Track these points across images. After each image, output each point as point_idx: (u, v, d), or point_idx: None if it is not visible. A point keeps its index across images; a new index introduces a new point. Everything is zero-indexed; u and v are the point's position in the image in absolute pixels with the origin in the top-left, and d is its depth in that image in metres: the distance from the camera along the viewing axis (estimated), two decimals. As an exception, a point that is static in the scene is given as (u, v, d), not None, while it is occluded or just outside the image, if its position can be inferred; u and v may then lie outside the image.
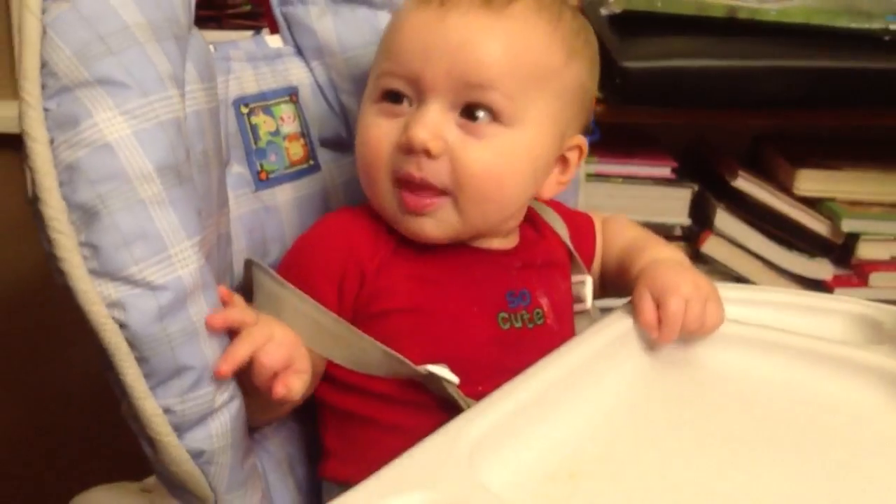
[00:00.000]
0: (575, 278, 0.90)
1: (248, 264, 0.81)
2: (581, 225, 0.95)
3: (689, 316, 0.80)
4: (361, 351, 0.76)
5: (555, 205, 0.94)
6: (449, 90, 0.77)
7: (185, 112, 0.73)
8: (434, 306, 0.80)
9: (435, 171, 0.77)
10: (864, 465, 0.71)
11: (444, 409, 0.75)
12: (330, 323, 0.76)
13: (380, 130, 0.79)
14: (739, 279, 1.47)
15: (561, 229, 0.92)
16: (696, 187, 1.47)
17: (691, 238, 1.50)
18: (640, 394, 0.80)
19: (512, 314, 0.82)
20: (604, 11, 1.43)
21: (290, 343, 0.71)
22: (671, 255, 0.90)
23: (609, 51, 1.34)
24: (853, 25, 1.35)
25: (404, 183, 0.78)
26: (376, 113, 0.80)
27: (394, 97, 0.79)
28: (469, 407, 0.70)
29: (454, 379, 0.75)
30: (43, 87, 0.66)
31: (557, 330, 0.84)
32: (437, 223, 0.79)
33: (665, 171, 1.47)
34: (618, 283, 0.92)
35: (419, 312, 0.79)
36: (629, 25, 1.39)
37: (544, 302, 0.84)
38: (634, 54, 1.32)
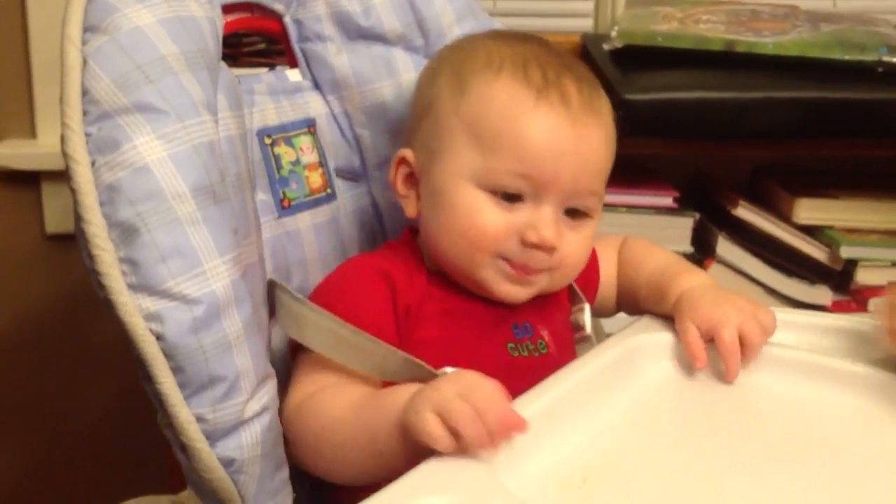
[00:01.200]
0: (575, 307, 0.95)
1: (271, 285, 0.85)
2: None
3: (750, 338, 0.83)
4: (382, 359, 0.79)
5: None
6: (564, 193, 0.83)
7: (220, 136, 0.77)
8: (455, 335, 0.85)
9: (544, 259, 0.84)
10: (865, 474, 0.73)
11: None
12: (349, 335, 0.79)
13: (494, 219, 0.82)
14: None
15: None
16: (697, 216, 1.51)
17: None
18: (653, 404, 0.83)
19: (518, 344, 0.88)
20: (606, 46, 1.48)
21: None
22: (704, 281, 0.92)
23: (612, 84, 1.39)
24: (847, 58, 1.39)
25: (509, 261, 0.84)
26: (487, 201, 0.83)
27: (513, 197, 0.83)
28: None
29: None
30: (84, 113, 0.71)
31: (558, 357, 0.89)
32: (530, 291, 0.86)
33: (667, 200, 1.51)
34: (650, 309, 0.94)
35: (444, 341, 0.84)
36: (630, 60, 1.44)
37: (545, 333, 0.90)
38: (636, 87, 1.36)
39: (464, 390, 0.66)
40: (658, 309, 0.92)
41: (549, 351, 0.89)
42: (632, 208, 1.50)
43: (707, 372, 0.87)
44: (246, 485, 0.74)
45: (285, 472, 0.79)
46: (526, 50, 0.87)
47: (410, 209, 0.88)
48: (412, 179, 0.88)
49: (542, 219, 0.82)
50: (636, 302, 0.98)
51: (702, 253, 1.53)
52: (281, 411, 0.79)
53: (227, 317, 0.72)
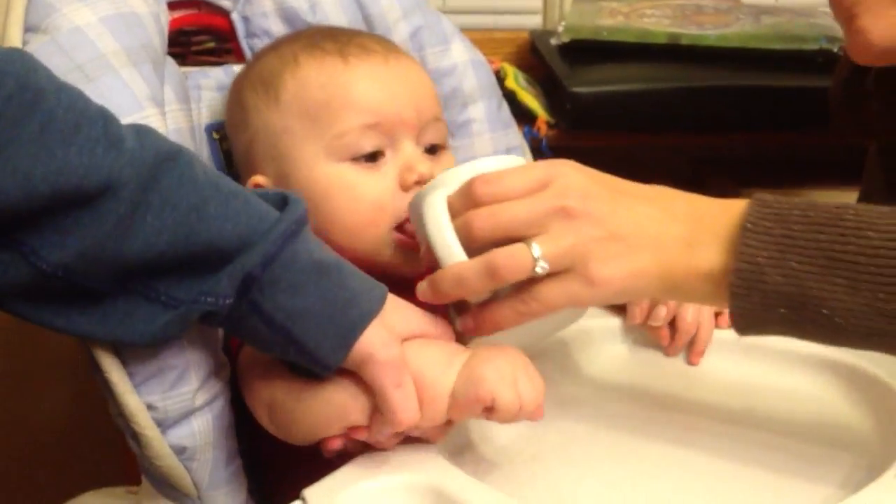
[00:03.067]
0: None
1: None
2: None
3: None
4: None
5: None
6: (414, 128, 0.83)
7: (167, 129, 0.78)
8: None
9: None
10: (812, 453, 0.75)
11: None
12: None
13: (369, 184, 0.82)
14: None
15: None
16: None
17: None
18: (605, 386, 0.86)
19: None
20: (553, 41, 1.50)
21: None
22: None
23: (559, 78, 1.42)
24: (788, 47, 1.43)
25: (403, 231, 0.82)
26: (350, 169, 0.82)
27: (373, 156, 0.82)
28: None
29: None
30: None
31: None
32: None
33: (617, 192, 1.53)
34: None
35: None
36: (577, 54, 1.46)
37: None
38: (583, 80, 1.39)
39: (519, 372, 0.67)
40: None
41: None
42: (582, 200, 1.52)
43: (659, 354, 0.89)
44: (198, 472, 0.75)
45: (238, 461, 0.80)
46: (309, 34, 0.89)
47: None
48: None
49: (409, 157, 0.83)
50: None
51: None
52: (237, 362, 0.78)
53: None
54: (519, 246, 0.68)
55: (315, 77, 0.84)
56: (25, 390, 1.60)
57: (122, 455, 0.82)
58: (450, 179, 0.74)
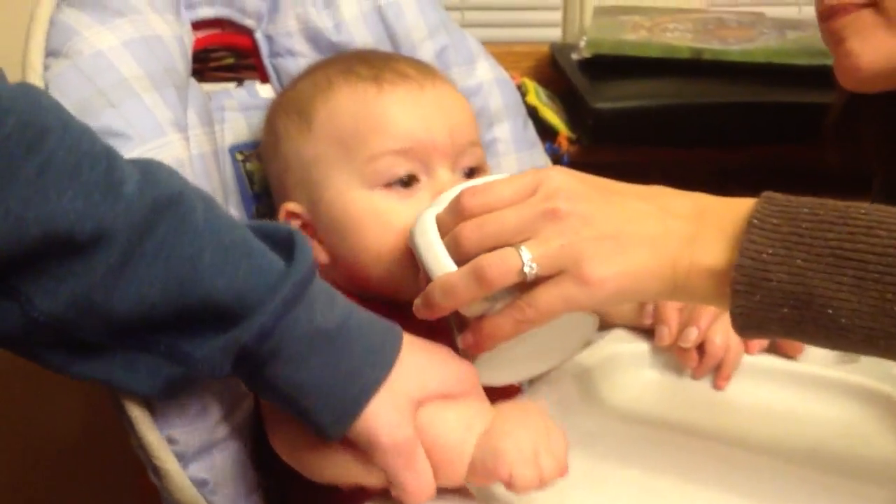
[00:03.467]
0: None
1: None
2: None
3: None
4: None
5: None
6: (449, 153, 0.81)
7: (191, 154, 0.77)
8: None
9: None
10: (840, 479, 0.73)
11: None
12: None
13: (401, 211, 0.79)
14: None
15: None
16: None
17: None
18: (634, 414, 0.84)
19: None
20: (574, 56, 1.49)
21: None
22: None
23: (580, 93, 1.40)
24: (813, 62, 1.41)
25: None
26: (385, 197, 0.80)
27: (408, 182, 0.80)
28: None
29: None
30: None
31: None
32: None
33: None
34: (623, 321, 0.94)
35: None
36: (599, 69, 1.45)
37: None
38: (604, 96, 1.38)
39: (541, 444, 0.63)
40: (635, 319, 0.92)
41: None
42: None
43: (688, 380, 0.88)
44: (220, 504, 0.74)
45: (259, 492, 0.79)
46: (346, 58, 0.88)
47: (320, 256, 0.83)
48: (307, 230, 0.84)
49: (444, 184, 0.79)
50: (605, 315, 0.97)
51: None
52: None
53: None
54: (506, 249, 0.66)
55: (347, 103, 0.82)
56: (43, 407, 1.60)
57: (140, 477, 0.80)
58: (442, 200, 0.72)
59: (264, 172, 0.91)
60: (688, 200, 0.69)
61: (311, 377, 0.62)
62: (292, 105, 0.85)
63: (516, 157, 1.03)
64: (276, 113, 0.88)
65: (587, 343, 0.86)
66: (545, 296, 0.67)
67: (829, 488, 0.72)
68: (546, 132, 1.43)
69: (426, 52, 0.99)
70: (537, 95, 1.43)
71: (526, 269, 0.66)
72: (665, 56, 1.44)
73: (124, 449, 0.81)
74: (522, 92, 1.45)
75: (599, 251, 0.66)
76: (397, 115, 0.81)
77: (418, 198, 0.80)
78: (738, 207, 0.66)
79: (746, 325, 0.65)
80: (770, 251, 0.63)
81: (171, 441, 0.71)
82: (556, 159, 1.41)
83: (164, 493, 0.74)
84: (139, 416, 0.69)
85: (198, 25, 0.91)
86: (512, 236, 0.67)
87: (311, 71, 0.88)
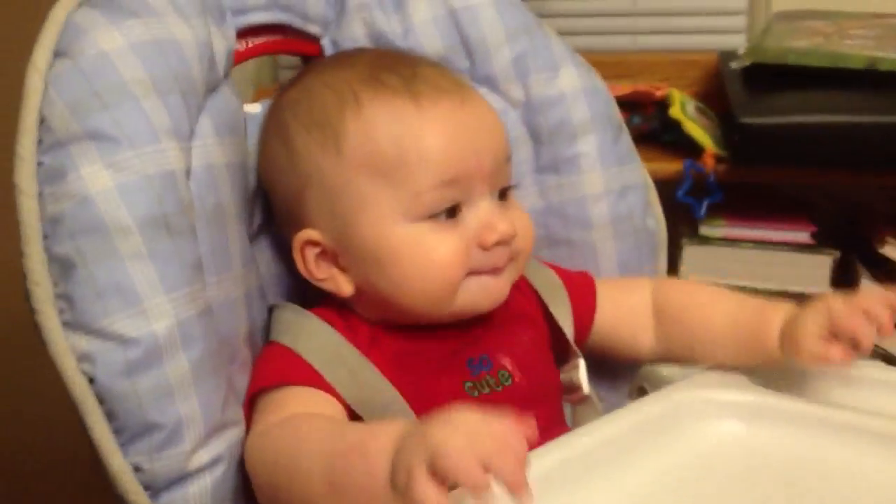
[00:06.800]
0: (567, 365, 0.85)
1: (272, 308, 0.81)
2: (580, 283, 0.89)
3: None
4: (372, 390, 0.73)
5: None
6: (491, 175, 0.76)
7: (191, 165, 0.73)
8: (405, 382, 0.75)
9: (506, 250, 0.77)
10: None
11: None
12: (349, 353, 0.75)
13: (448, 246, 0.75)
14: (887, 357, 1.32)
15: (543, 282, 0.87)
16: (837, 254, 1.35)
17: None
18: (685, 472, 0.72)
19: (477, 382, 0.78)
20: (734, 65, 1.35)
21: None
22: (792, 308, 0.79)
23: (731, 106, 1.27)
24: None
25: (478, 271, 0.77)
26: (430, 231, 0.75)
27: (451, 211, 0.75)
28: None
29: None
30: (39, 141, 0.68)
31: (527, 385, 0.79)
32: (507, 282, 0.79)
33: (803, 235, 1.35)
34: (725, 357, 0.82)
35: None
36: (759, 80, 1.31)
37: (506, 361, 0.80)
38: (755, 109, 1.24)
39: (466, 436, 0.54)
40: (745, 356, 0.80)
41: (514, 381, 0.79)
42: (760, 244, 1.36)
43: (776, 434, 0.74)
44: (198, 540, 0.69)
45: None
46: (364, 61, 0.80)
47: (343, 287, 0.78)
48: (327, 258, 0.78)
49: (489, 214, 0.76)
50: (697, 350, 0.85)
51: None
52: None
53: (170, 359, 0.66)
54: None
55: (384, 125, 0.75)
56: (29, 422, 1.60)
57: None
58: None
59: (265, 186, 0.84)
60: None
61: None
62: (310, 117, 0.78)
63: (602, 173, 0.92)
64: (285, 122, 0.80)
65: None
66: None
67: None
68: (692, 148, 1.31)
69: (502, 58, 0.92)
70: (682, 108, 1.30)
71: None
72: (834, 65, 1.27)
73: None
74: (666, 104, 1.33)
75: None
76: (441, 140, 0.74)
77: (460, 231, 0.76)
78: None
79: None
80: None
81: (137, 469, 0.66)
82: (700, 178, 1.29)
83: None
84: (101, 439, 0.65)
85: (257, 31, 0.88)
86: None
87: (320, 73, 0.81)
